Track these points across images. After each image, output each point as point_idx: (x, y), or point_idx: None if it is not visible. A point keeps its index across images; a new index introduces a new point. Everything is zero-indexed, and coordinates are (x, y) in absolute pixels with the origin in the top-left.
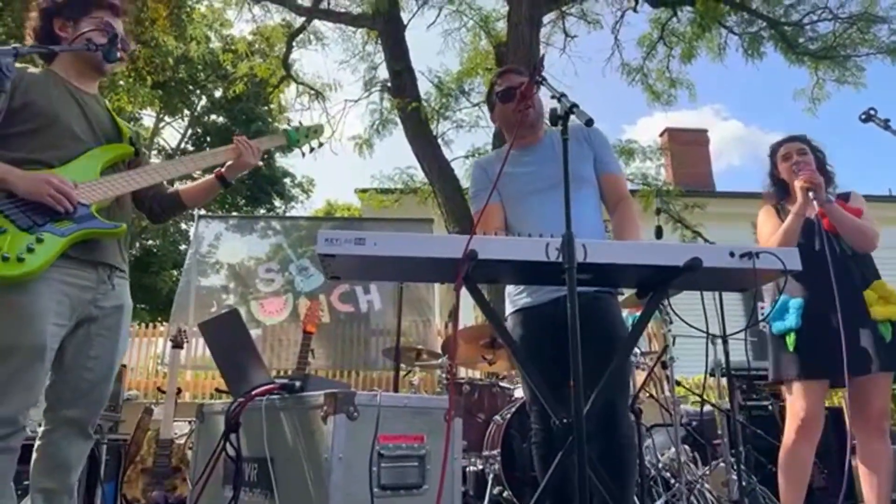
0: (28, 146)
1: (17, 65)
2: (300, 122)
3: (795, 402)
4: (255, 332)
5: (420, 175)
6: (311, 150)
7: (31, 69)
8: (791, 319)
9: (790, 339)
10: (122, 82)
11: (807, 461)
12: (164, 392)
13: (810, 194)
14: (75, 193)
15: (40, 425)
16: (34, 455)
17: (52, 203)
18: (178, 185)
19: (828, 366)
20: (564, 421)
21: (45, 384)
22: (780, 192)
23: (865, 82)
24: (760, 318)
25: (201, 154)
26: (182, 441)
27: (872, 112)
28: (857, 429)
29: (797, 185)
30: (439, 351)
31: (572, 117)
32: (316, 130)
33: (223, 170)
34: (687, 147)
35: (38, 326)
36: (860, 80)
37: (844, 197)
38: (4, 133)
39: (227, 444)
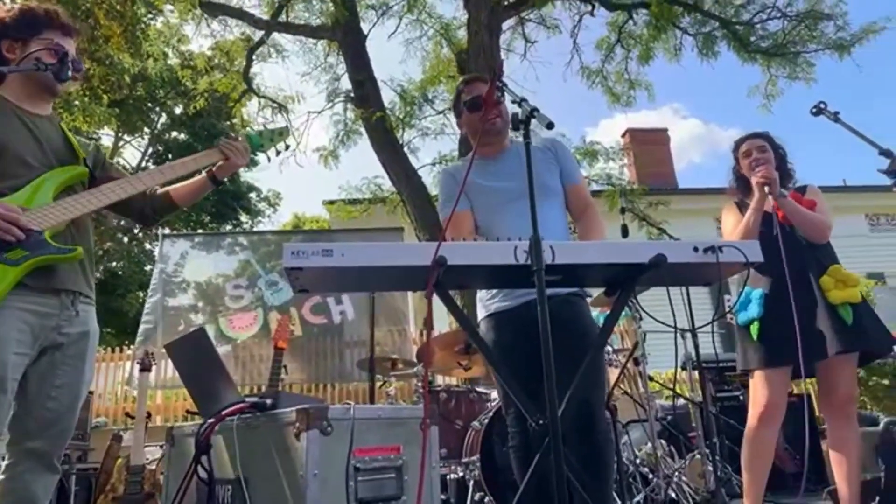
0: None
1: None
2: (264, 126)
3: (758, 390)
4: (224, 349)
5: (388, 184)
6: (278, 153)
7: None
8: (753, 309)
9: (754, 329)
10: (77, 102)
11: (770, 446)
12: (133, 417)
13: (765, 189)
14: (25, 220)
15: (3, 459)
16: None
17: None
18: (168, 187)
19: (788, 353)
20: (540, 423)
21: (9, 416)
22: (743, 188)
23: (816, 77)
24: (727, 310)
25: (161, 168)
26: (154, 466)
27: (822, 105)
28: (825, 414)
29: (753, 180)
30: (415, 360)
31: (536, 126)
32: (281, 133)
33: (215, 169)
34: (649, 146)
35: None
36: (810, 76)
37: (801, 190)
38: None
39: (199, 467)
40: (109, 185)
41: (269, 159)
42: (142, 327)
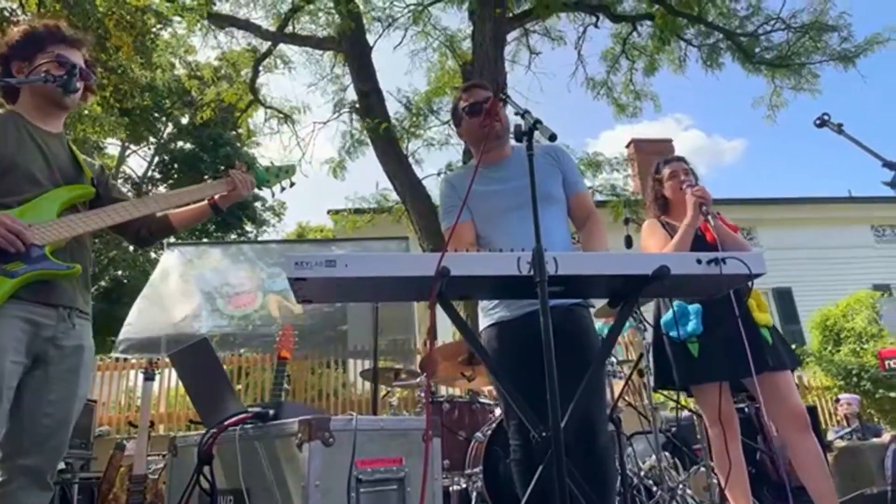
0: None
1: None
2: (271, 162)
3: (707, 406)
4: (219, 322)
5: (393, 194)
6: (283, 189)
7: None
8: (692, 325)
9: (693, 345)
10: (86, 111)
11: (737, 456)
12: (136, 426)
13: (703, 208)
14: (28, 234)
15: None
16: None
17: (3, 244)
18: (167, 210)
19: (727, 368)
20: (543, 434)
21: (3, 429)
22: (662, 206)
23: (821, 88)
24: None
25: (167, 194)
26: (156, 476)
27: (826, 117)
28: (783, 429)
29: (689, 198)
30: (418, 369)
31: (537, 134)
32: (287, 171)
33: (217, 198)
34: (653, 157)
35: None
36: (815, 87)
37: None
38: None
39: (201, 478)
40: (115, 207)
41: (273, 195)
42: (123, 331)
